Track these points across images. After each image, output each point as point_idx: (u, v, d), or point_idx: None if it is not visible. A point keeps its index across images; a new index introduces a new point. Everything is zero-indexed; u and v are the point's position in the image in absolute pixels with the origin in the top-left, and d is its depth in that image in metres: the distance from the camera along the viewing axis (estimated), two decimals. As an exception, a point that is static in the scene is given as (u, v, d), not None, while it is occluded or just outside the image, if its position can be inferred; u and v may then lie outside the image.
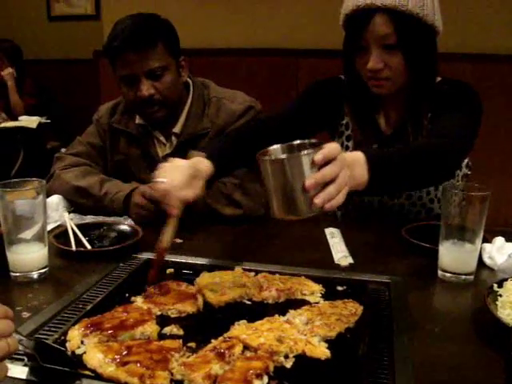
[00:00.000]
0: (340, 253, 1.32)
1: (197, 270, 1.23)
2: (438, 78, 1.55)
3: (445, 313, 1.10)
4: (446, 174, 1.36)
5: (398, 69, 1.41)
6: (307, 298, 1.12)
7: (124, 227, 1.45)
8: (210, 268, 1.24)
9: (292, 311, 1.04)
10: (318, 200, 0.94)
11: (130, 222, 1.52)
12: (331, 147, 0.97)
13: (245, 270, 1.22)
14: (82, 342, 0.92)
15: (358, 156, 1.11)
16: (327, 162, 0.95)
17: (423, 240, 1.33)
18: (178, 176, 1.21)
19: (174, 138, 1.78)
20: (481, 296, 1.08)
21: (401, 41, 1.37)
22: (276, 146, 1.02)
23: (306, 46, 3.39)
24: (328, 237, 1.44)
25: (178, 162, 1.26)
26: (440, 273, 1.22)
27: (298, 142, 1.03)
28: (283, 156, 0.97)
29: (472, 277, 1.20)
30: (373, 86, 1.47)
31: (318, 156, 0.94)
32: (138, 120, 1.78)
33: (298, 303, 1.09)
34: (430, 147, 1.31)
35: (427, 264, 1.26)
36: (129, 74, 1.64)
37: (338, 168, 0.97)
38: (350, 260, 1.29)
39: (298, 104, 1.66)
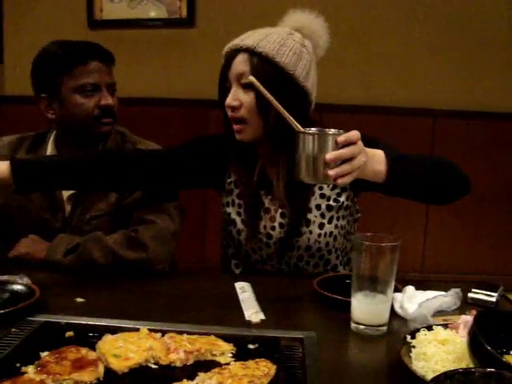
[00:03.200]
0: (251, 309, 1.27)
1: (100, 332, 1.13)
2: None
3: (360, 368, 1.07)
4: (456, 191, 1.47)
5: (251, 108, 1.44)
6: (217, 358, 1.05)
7: (18, 287, 1.32)
8: (114, 330, 1.14)
9: (201, 374, 0.97)
10: (332, 172, 1.14)
11: (25, 280, 1.39)
12: (353, 133, 1.17)
13: (151, 330, 1.14)
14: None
15: (378, 151, 1.31)
16: (348, 144, 1.15)
17: (335, 291, 1.31)
18: None
19: None
20: (394, 347, 1.07)
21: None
22: (313, 128, 1.20)
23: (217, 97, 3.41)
24: (238, 291, 1.39)
25: None
26: (353, 325, 1.19)
27: (332, 130, 1.21)
28: (316, 131, 1.18)
29: (385, 328, 1.19)
30: (235, 131, 1.49)
31: (341, 137, 1.15)
32: (49, 152, 1.73)
33: (208, 365, 1.02)
34: (445, 162, 1.45)
35: (340, 316, 1.23)
36: (94, 83, 1.63)
37: (355, 151, 1.17)
38: (262, 316, 1.24)
39: (183, 150, 1.64)
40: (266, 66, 1.42)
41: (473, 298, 1.36)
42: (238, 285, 1.42)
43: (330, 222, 1.54)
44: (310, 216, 1.53)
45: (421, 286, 1.36)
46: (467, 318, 1.05)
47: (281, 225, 1.55)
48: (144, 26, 3.62)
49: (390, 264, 1.16)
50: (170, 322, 1.18)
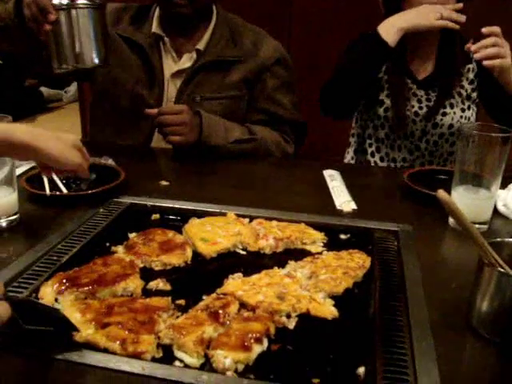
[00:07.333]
0: (342, 197, 1.21)
1: (185, 215, 1.11)
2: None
3: (459, 265, 1.00)
4: None
5: None
6: (308, 247, 1.01)
7: (104, 168, 1.32)
8: (200, 214, 1.12)
9: (292, 263, 0.94)
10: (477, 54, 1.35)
11: (110, 162, 1.38)
12: (495, 27, 1.37)
13: (238, 215, 1.11)
14: (56, 300, 0.81)
15: None
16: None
17: (427, 185, 1.22)
18: None
19: (194, 55, 1.61)
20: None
21: None
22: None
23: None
24: (327, 179, 1.33)
25: None
26: (451, 221, 1.12)
27: None
28: None
29: (486, 226, 1.10)
30: None
31: (484, 29, 1.36)
32: (154, 28, 1.62)
33: (299, 253, 0.99)
34: None
35: (435, 211, 1.14)
36: None
37: (498, 41, 1.35)
38: (353, 205, 1.18)
39: None
40: None
41: None
42: (327, 172, 1.35)
43: (468, 108, 1.67)
44: (454, 101, 1.66)
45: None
46: None
47: (428, 106, 1.66)
48: None
49: (499, 157, 1.05)
50: (258, 208, 1.14)
